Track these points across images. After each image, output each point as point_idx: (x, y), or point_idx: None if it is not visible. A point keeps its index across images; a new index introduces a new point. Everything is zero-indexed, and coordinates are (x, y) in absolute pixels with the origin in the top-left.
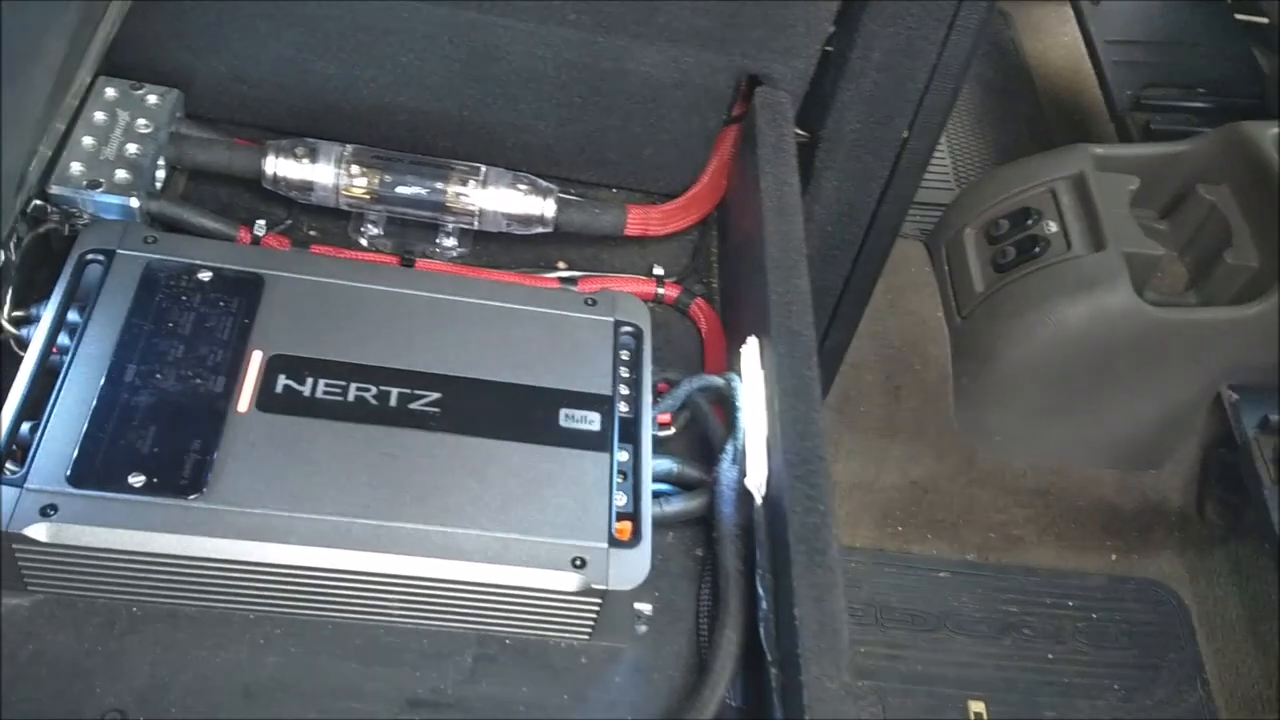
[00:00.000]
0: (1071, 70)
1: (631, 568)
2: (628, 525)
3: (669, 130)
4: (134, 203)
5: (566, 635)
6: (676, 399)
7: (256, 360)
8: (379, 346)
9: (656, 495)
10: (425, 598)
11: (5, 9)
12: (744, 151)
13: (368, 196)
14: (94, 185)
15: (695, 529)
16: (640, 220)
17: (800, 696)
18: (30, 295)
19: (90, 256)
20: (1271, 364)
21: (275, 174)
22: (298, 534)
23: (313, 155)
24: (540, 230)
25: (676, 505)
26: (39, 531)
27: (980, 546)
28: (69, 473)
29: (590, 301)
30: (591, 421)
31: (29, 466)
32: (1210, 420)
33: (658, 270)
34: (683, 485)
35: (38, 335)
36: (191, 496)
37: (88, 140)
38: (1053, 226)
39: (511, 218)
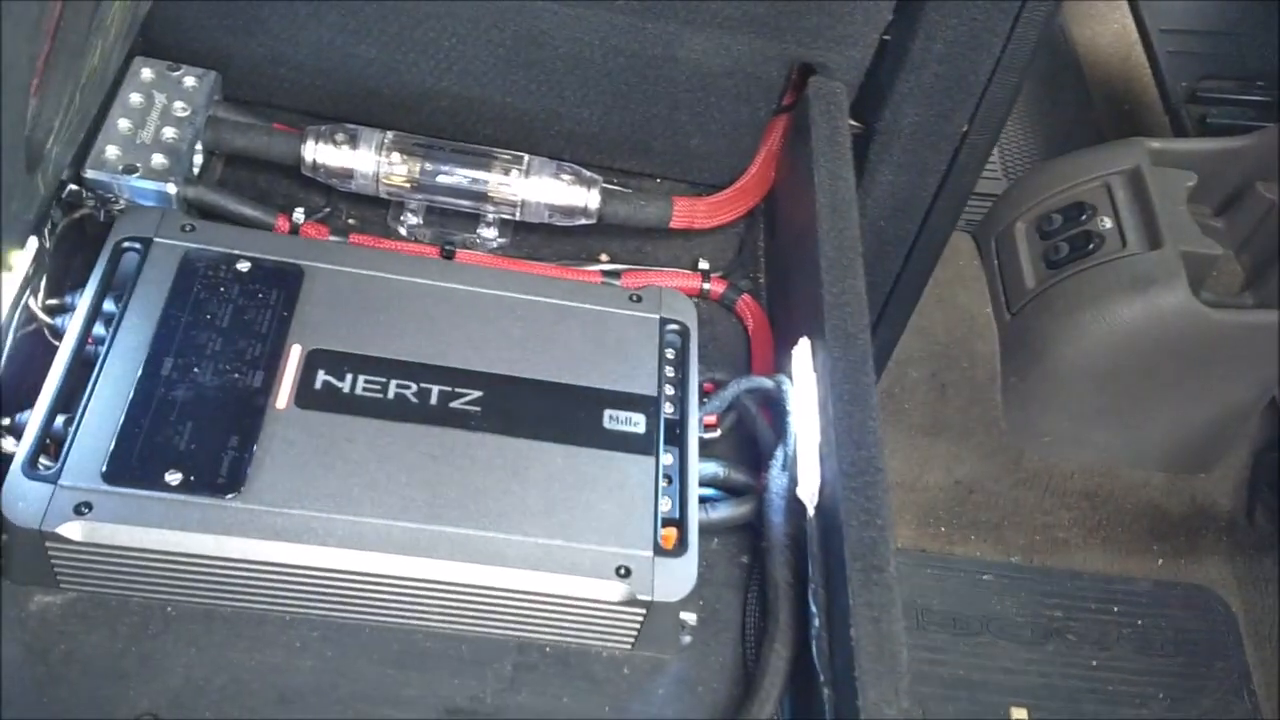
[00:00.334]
0: (1121, 59)
1: (677, 578)
2: (673, 532)
3: (717, 119)
4: (171, 189)
5: (609, 645)
6: (723, 400)
7: (295, 355)
8: (419, 342)
9: (702, 500)
10: (465, 603)
11: None
12: (795, 143)
13: (408, 185)
14: (130, 170)
15: (741, 535)
16: (686, 212)
17: None
18: (65, 283)
19: (126, 244)
20: None
21: (314, 160)
22: (336, 536)
23: (353, 141)
24: (583, 222)
25: (723, 511)
26: (72, 530)
27: (1024, 549)
28: (104, 469)
29: (635, 298)
30: (636, 423)
31: (63, 462)
32: (1262, 424)
33: (703, 264)
34: (729, 490)
35: (73, 325)
36: (229, 496)
37: (123, 123)
38: (1107, 222)
39: (554, 209)
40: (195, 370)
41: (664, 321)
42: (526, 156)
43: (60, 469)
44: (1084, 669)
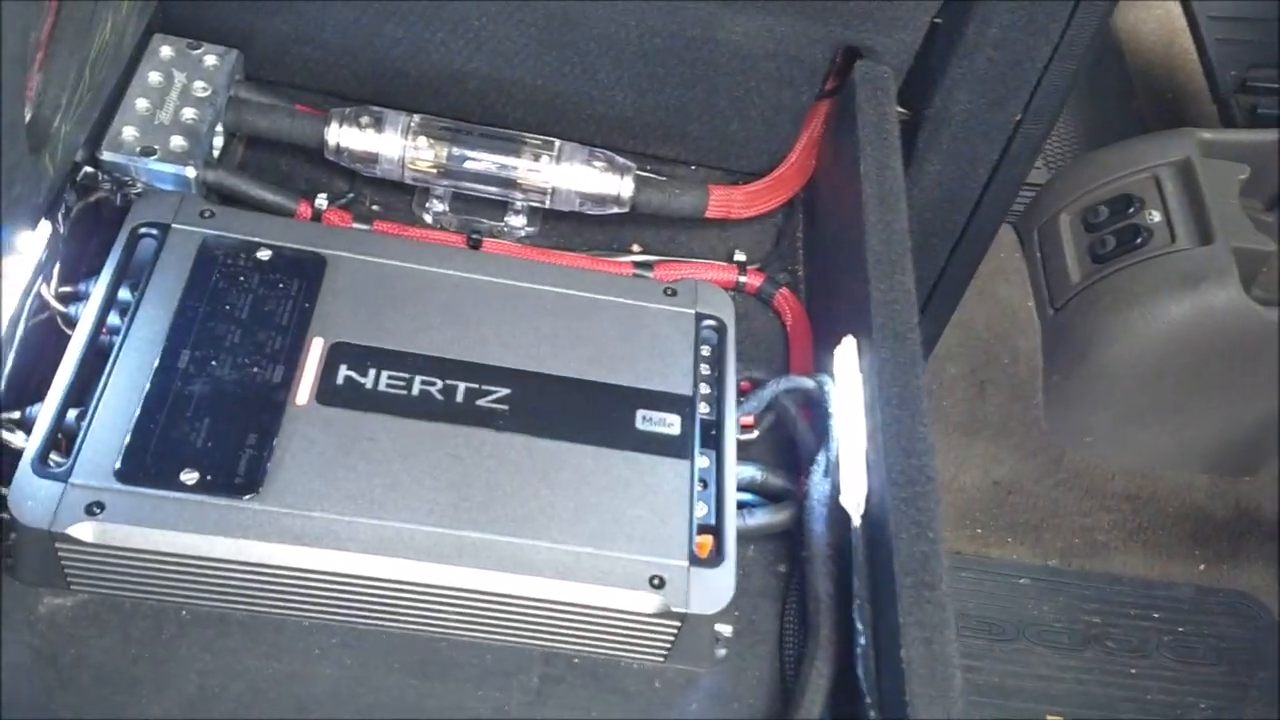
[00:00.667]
0: (1165, 46)
1: (714, 589)
2: (709, 540)
3: (757, 104)
4: (190, 172)
5: (640, 657)
6: (761, 401)
7: (317, 348)
8: (445, 336)
9: (739, 506)
10: (490, 612)
11: None
12: (839, 129)
13: (434, 170)
14: (148, 152)
15: (778, 543)
16: (723, 201)
17: None
18: (79, 270)
19: (143, 230)
20: None
21: (338, 144)
22: (358, 541)
23: (378, 124)
24: (615, 210)
25: (761, 518)
26: (84, 531)
27: (1063, 552)
28: (118, 467)
29: (670, 291)
30: (670, 424)
31: (74, 459)
32: None
33: (739, 256)
34: (766, 495)
35: (86, 314)
36: (247, 497)
37: (141, 103)
38: (1156, 216)
39: (586, 197)
40: (213, 363)
41: (700, 317)
42: (557, 142)
43: (71, 466)
44: (1122, 677)
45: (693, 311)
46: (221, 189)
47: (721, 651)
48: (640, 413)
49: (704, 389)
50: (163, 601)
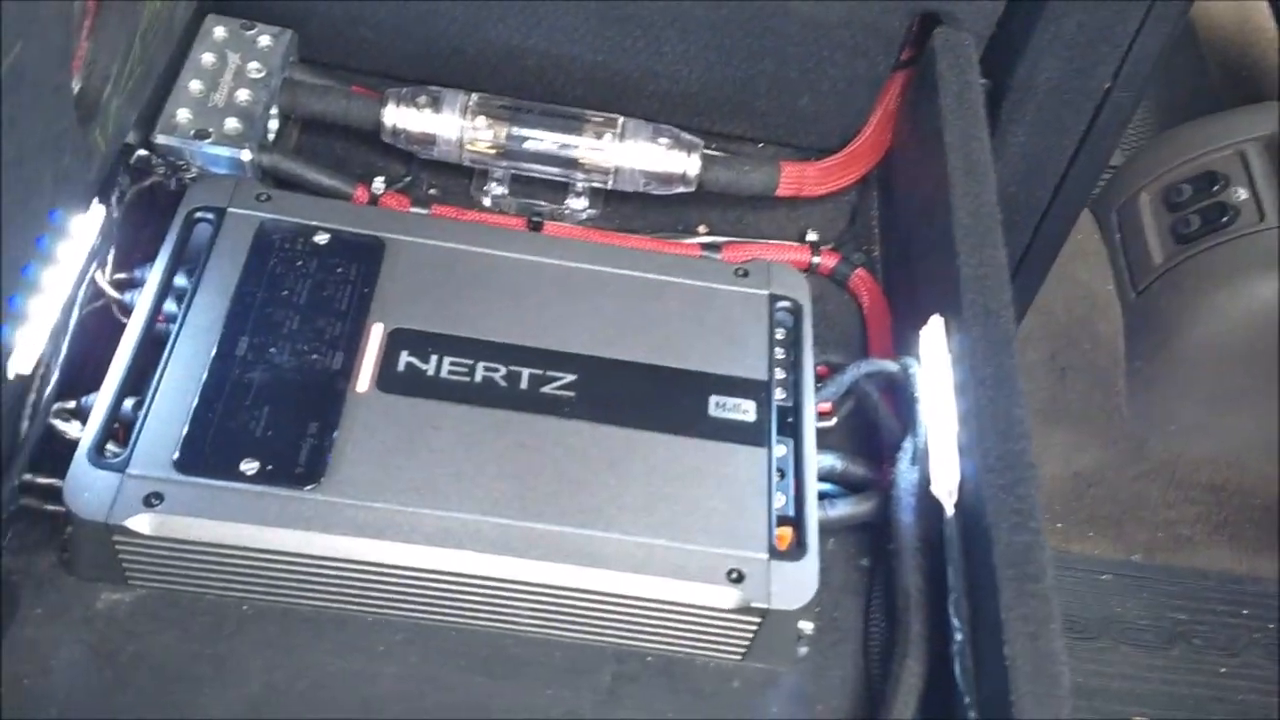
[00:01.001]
0: (1240, 21)
1: (796, 583)
2: (788, 532)
3: (829, 76)
4: (245, 156)
5: (717, 655)
6: (840, 386)
7: (377, 334)
8: (508, 321)
9: (820, 497)
10: (559, 608)
11: None
12: (918, 100)
13: (493, 151)
14: (202, 135)
15: (860, 536)
16: (795, 178)
17: None
18: (134, 256)
19: (199, 214)
20: None
21: (395, 125)
22: (422, 533)
23: (435, 104)
24: (681, 190)
25: (842, 509)
26: (142, 524)
27: (1146, 546)
28: (176, 457)
29: (742, 272)
30: (745, 411)
31: (132, 449)
32: None
33: (811, 236)
34: (847, 485)
35: (142, 301)
36: (308, 487)
37: (195, 85)
38: (1242, 193)
39: (650, 176)
40: (271, 350)
41: (774, 298)
42: (621, 118)
43: (129, 457)
44: (1211, 676)
45: (766, 293)
46: (277, 173)
47: (803, 650)
48: (713, 399)
49: (779, 374)
50: (223, 596)
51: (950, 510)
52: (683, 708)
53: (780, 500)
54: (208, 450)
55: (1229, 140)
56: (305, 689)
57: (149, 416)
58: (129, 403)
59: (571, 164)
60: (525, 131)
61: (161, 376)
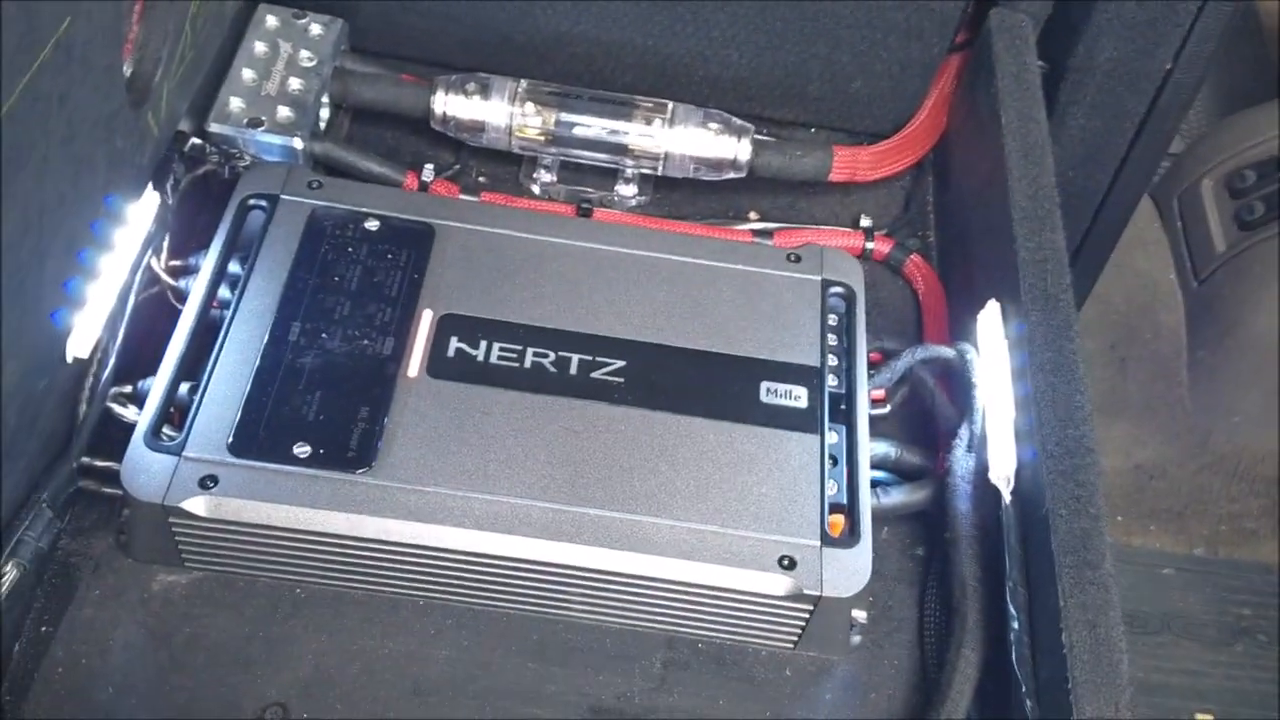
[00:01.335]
0: None
1: (850, 571)
2: (841, 519)
3: (883, 59)
4: (297, 144)
5: (769, 643)
6: (895, 372)
7: (427, 320)
8: (557, 307)
9: (873, 485)
10: (610, 594)
11: None
12: (975, 83)
13: (542, 138)
14: (255, 124)
15: (914, 524)
16: (848, 163)
17: None
18: (188, 243)
19: (252, 202)
20: None
21: (445, 113)
22: (473, 517)
23: (484, 91)
24: (732, 175)
25: (896, 497)
26: (197, 505)
27: (1209, 540)
28: (230, 441)
29: (794, 258)
30: (798, 397)
31: (187, 433)
32: None
33: (865, 222)
34: (901, 473)
35: (197, 287)
36: (359, 471)
37: (247, 73)
38: None
39: (700, 161)
40: (323, 335)
41: (826, 284)
42: (670, 104)
43: (185, 440)
44: (1275, 672)
45: (818, 278)
46: (328, 161)
47: (857, 639)
48: (765, 385)
49: (832, 360)
50: (277, 579)
51: (1008, 497)
52: (734, 695)
53: (833, 487)
54: (261, 434)
55: None
56: (357, 673)
57: (204, 401)
58: (184, 387)
59: (621, 150)
60: (574, 118)
61: (216, 361)
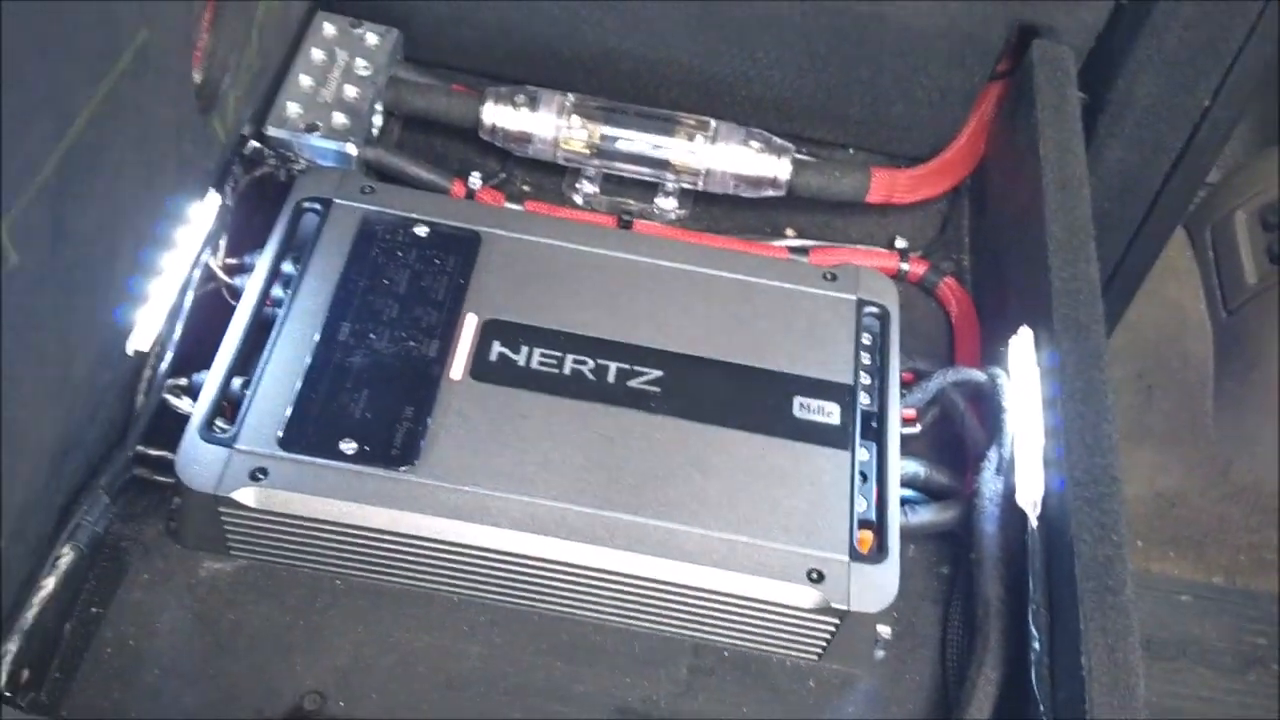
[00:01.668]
0: None
1: (877, 586)
2: (869, 535)
3: (924, 85)
4: (351, 149)
5: (794, 654)
6: (926, 393)
7: (471, 324)
8: (597, 316)
9: (902, 502)
10: (640, 598)
11: None
12: (1015, 112)
13: (587, 151)
14: (311, 129)
15: (940, 543)
16: (885, 185)
17: None
18: (245, 243)
19: (307, 205)
20: None
21: (493, 123)
22: (510, 517)
23: (532, 103)
24: (770, 193)
25: (924, 515)
26: (247, 496)
27: (1227, 569)
28: (280, 435)
29: (830, 276)
30: (830, 413)
31: (239, 426)
32: None
33: (900, 243)
34: (929, 493)
35: (251, 285)
36: (402, 469)
37: (305, 80)
38: None
39: (741, 179)
40: (372, 336)
41: (861, 303)
42: (713, 121)
43: (237, 433)
44: None
45: (854, 298)
46: (380, 166)
47: (880, 653)
48: (798, 400)
49: (865, 379)
50: (318, 570)
51: (1034, 522)
52: (757, 704)
53: (862, 504)
54: (310, 429)
55: None
56: (392, 664)
57: (256, 395)
58: (237, 381)
59: (663, 165)
60: (619, 132)
61: (268, 358)
